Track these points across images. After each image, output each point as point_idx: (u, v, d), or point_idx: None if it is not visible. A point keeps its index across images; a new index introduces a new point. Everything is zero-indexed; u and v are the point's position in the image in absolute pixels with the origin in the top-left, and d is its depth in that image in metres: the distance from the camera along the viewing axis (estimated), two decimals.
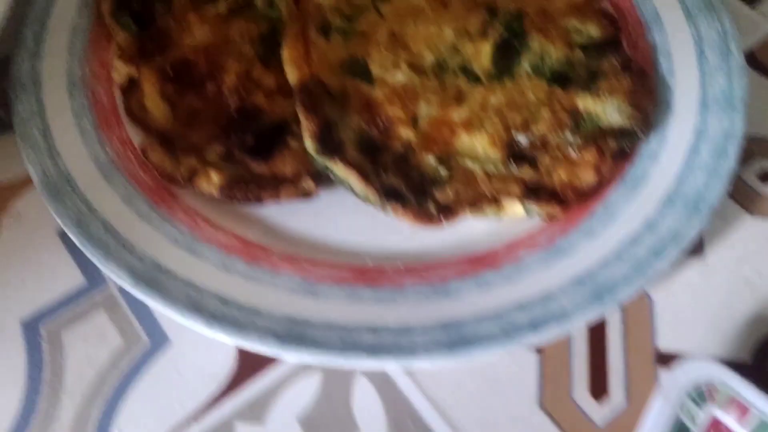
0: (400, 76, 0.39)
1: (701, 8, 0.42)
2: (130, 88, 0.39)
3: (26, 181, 0.38)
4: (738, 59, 0.40)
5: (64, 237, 0.37)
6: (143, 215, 0.35)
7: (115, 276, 0.32)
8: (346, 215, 0.36)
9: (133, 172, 0.36)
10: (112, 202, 0.35)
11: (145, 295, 0.32)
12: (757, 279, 0.36)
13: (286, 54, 0.38)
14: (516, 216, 0.36)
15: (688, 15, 0.42)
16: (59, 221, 0.34)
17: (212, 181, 0.35)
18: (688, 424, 0.29)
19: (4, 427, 0.32)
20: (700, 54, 0.40)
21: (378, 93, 0.38)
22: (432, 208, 0.35)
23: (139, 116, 0.38)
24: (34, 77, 0.38)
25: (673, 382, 0.30)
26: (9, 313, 0.35)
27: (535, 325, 0.32)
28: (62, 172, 0.35)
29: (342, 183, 0.36)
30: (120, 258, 0.33)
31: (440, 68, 0.40)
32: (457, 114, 0.38)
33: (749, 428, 0.29)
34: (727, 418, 0.29)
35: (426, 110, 0.38)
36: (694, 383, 0.30)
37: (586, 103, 0.39)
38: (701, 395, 0.30)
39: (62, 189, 0.35)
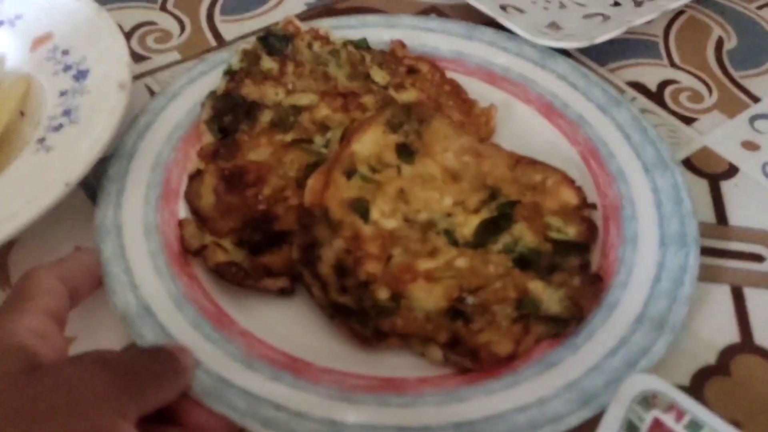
0: (392, 223, 0.47)
1: (658, 165, 0.52)
2: (195, 176, 0.51)
3: None
4: (688, 205, 0.49)
5: None
6: (208, 336, 0.42)
7: None
8: None
9: (199, 301, 0.44)
10: (183, 327, 0.42)
11: (210, 402, 0.39)
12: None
13: (309, 183, 0.48)
14: (435, 359, 0.42)
15: (647, 171, 0.52)
16: (140, 343, 0.41)
17: (214, 258, 0.45)
18: (636, 423, 0.37)
19: None
20: (659, 204, 0.49)
21: (367, 230, 0.47)
22: (368, 332, 0.43)
23: (191, 198, 0.50)
24: (117, 225, 0.47)
25: (625, 392, 0.38)
26: None
27: (533, 426, 0.38)
28: (141, 303, 0.43)
29: (308, 288, 0.44)
30: None
31: (428, 226, 0.48)
32: (424, 265, 0.46)
33: (683, 426, 0.37)
34: (667, 418, 0.37)
35: (400, 255, 0.46)
36: (641, 392, 0.38)
37: (536, 287, 0.45)
38: (646, 402, 0.38)
39: (143, 317, 0.42)
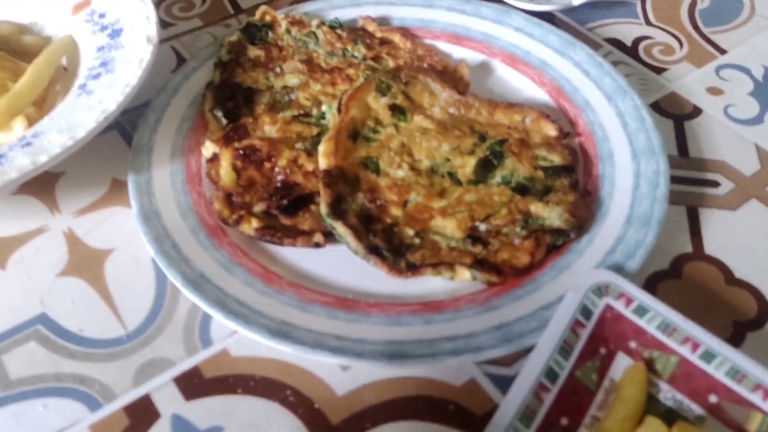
0: (401, 173, 0.53)
1: (617, 92, 0.60)
2: (212, 160, 0.55)
3: None
4: (650, 121, 0.56)
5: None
6: (262, 292, 0.47)
7: (256, 335, 0.44)
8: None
9: (245, 264, 0.49)
10: (238, 287, 0.47)
11: (281, 344, 0.44)
12: None
13: (321, 149, 0.53)
14: (464, 279, 0.48)
15: (609, 99, 0.60)
16: (204, 304, 0.45)
17: (252, 225, 0.50)
18: (591, 308, 0.44)
19: None
20: (625, 124, 0.57)
21: (381, 182, 0.52)
22: (403, 264, 0.48)
23: (214, 179, 0.54)
24: (155, 210, 0.51)
25: (581, 282, 0.44)
26: None
27: (456, 352, 0.44)
28: (196, 272, 0.47)
29: (342, 239, 0.49)
30: (256, 322, 0.45)
31: (432, 171, 0.53)
32: (438, 204, 0.51)
33: (631, 310, 0.43)
34: (617, 304, 0.44)
35: (414, 198, 0.51)
36: (595, 283, 0.44)
37: (537, 208, 0.51)
38: (600, 291, 0.44)
39: (202, 284, 0.47)
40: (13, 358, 0.45)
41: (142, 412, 0.43)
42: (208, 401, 0.43)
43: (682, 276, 0.50)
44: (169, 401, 0.43)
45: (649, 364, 0.43)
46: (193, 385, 0.44)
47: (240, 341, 0.46)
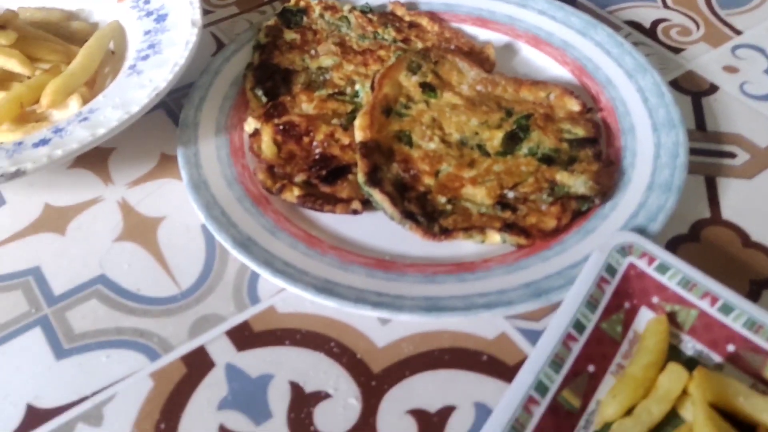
0: (432, 145, 0.56)
1: (637, 70, 0.62)
2: (254, 134, 0.58)
3: None
4: (669, 96, 0.59)
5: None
6: (305, 254, 0.50)
7: (302, 291, 0.47)
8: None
9: (289, 229, 0.52)
10: (283, 249, 0.50)
11: (327, 300, 0.47)
12: None
13: (357, 123, 0.56)
14: (494, 242, 0.51)
15: (630, 76, 0.62)
16: (253, 264, 0.49)
17: (293, 193, 0.53)
18: (615, 266, 0.46)
19: None
20: (645, 99, 0.60)
21: (414, 153, 0.55)
22: (436, 229, 0.51)
23: (256, 152, 0.57)
24: (203, 180, 0.54)
25: (606, 242, 0.47)
26: None
27: (488, 306, 0.46)
28: (244, 235, 0.51)
29: (378, 206, 0.52)
30: (302, 280, 0.48)
31: (462, 144, 0.57)
32: (468, 174, 0.54)
33: (653, 268, 0.46)
34: (640, 263, 0.46)
35: (446, 168, 0.55)
36: (619, 244, 0.47)
37: (562, 176, 0.54)
38: (623, 250, 0.47)
39: (250, 246, 0.50)
40: (77, 314, 0.49)
41: (199, 361, 0.46)
42: (258, 352, 0.47)
43: (701, 240, 0.53)
44: (222, 352, 0.47)
45: (671, 318, 0.45)
46: (244, 337, 0.47)
47: (286, 299, 0.49)
